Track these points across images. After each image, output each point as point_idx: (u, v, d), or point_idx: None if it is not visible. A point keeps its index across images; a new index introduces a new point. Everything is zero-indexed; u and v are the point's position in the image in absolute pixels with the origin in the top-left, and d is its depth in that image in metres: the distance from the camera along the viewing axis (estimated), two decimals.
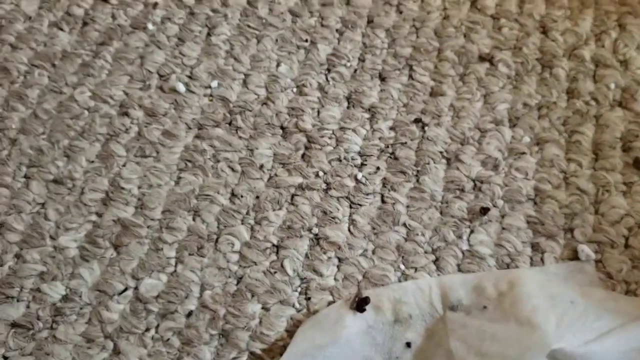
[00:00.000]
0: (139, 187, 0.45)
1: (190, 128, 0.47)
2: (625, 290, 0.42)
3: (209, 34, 0.52)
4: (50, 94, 0.48)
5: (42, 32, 0.51)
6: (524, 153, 0.47)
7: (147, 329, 0.40)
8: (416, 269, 0.42)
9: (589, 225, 0.44)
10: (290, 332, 0.40)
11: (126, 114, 0.48)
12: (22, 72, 0.49)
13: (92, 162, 0.46)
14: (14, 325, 0.40)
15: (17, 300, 0.41)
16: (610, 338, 0.36)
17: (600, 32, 0.53)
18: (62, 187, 0.44)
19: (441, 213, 0.45)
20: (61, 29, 0.52)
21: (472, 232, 0.44)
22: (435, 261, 0.43)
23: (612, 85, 0.50)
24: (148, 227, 0.43)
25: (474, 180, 0.46)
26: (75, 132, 0.47)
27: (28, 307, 0.41)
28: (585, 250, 0.43)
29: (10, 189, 0.44)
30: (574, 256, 0.43)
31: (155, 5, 0.53)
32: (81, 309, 0.40)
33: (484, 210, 0.44)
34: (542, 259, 0.43)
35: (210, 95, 0.49)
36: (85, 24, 0.52)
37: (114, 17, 0.53)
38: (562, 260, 0.43)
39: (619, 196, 0.45)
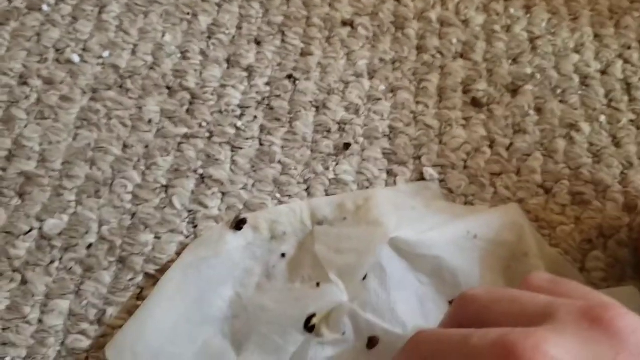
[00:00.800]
0: (40, 144, 0.50)
1: (85, 92, 0.53)
2: (463, 202, 0.50)
3: (100, 12, 0.58)
4: None
5: None
6: (380, 99, 0.55)
7: (52, 261, 0.45)
8: (290, 197, 0.49)
9: (434, 153, 0.52)
10: (180, 255, 0.46)
11: (25, 84, 0.53)
12: None
13: None
14: None
15: None
16: (440, 229, 0.44)
17: None
18: None
19: (311, 151, 0.52)
20: None
21: (337, 164, 0.51)
22: (307, 189, 0.50)
23: (455, 41, 0.59)
24: (49, 177, 0.48)
25: (338, 123, 0.53)
26: None
27: None
28: (430, 171, 0.51)
29: None
30: (422, 178, 0.51)
31: None
32: None
33: (347, 146, 0.52)
34: (394, 182, 0.51)
35: (103, 64, 0.55)
36: None
37: (9, 0, 0.57)
38: (412, 182, 0.51)
39: (459, 129, 0.54)
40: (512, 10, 0.62)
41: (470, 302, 0.34)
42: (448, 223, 0.45)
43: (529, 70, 0.58)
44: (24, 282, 0.44)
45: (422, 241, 0.43)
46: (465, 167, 0.52)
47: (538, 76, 0.58)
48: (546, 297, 0.31)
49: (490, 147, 0.53)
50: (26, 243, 0.46)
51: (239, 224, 0.46)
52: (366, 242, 0.43)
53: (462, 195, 0.51)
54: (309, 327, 0.40)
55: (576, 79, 0.58)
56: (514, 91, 0.57)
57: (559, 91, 0.57)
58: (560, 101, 0.56)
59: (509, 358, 0.26)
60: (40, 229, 0.46)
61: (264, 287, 0.44)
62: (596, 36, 0.61)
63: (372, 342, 0.40)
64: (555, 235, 0.49)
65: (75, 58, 0.54)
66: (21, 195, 0.47)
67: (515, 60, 0.59)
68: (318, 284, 0.43)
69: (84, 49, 0.55)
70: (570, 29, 0.62)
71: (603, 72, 0.59)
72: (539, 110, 0.56)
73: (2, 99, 0.52)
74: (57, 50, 0.55)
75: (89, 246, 0.46)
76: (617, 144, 0.54)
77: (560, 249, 0.49)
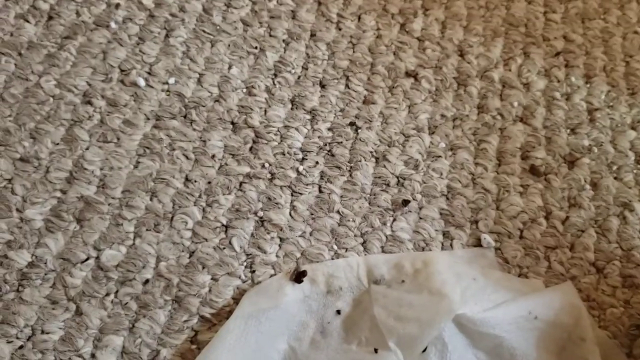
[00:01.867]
0: (101, 169, 0.49)
1: (148, 119, 0.52)
2: (518, 273, 0.50)
3: (167, 36, 0.57)
4: (16, 80, 0.52)
5: (9, 23, 0.55)
6: (439, 156, 0.55)
7: (107, 294, 0.44)
8: (347, 249, 0.49)
9: (490, 219, 0.52)
10: (236, 300, 0.45)
11: (89, 103, 0.52)
12: None
13: (57, 144, 0.50)
14: None
15: None
16: (503, 307, 0.44)
17: (508, 58, 0.62)
18: (29, 165, 0.48)
19: (369, 203, 0.52)
20: (27, 21, 0.55)
21: (394, 220, 0.51)
22: (363, 243, 0.50)
23: (515, 104, 0.60)
24: (109, 204, 0.48)
25: (397, 177, 0.53)
26: (41, 116, 0.51)
27: None
28: (487, 238, 0.51)
29: None
30: (478, 243, 0.51)
31: (117, 5, 0.58)
32: (46, 274, 0.44)
33: (405, 202, 0.52)
34: (451, 245, 0.51)
35: (168, 91, 0.54)
36: (50, 18, 0.56)
37: (78, 13, 0.57)
38: (468, 246, 0.51)
39: (516, 196, 0.54)
40: (572, 79, 0.62)
41: None
42: (511, 301, 0.44)
43: (586, 143, 0.58)
44: (78, 312, 0.43)
45: (486, 319, 0.43)
46: (521, 237, 0.52)
47: (595, 150, 0.58)
48: None
49: (546, 218, 0.53)
50: (83, 272, 0.45)
51: (299, 276, 0.46)
52: (429, 314, 0.42)
53: (517, 266, 0.51)
54: None
55: (632, 156, 0.58)
56: (572, 162, 0.57)
57: (614, 167, 0.57)
58: (615, 178, 0.57)
59: None
60: (97, 258, 0.46)
61: (318, 343, 0.44)
62: None
63: None
64: (604, 317, 0.49)
65: (141, 82, 0.54)
66: (80, 221, 0.47)
67: (573, 131, 0.59)
68: (376, 350, 0.42)
69: (149, 73, 0.55)
70: (628, 103, 0.62)
71: None
72: (594, 185, 0.56)
73: (65, 117, 0.51)
74: (122, 71, 0.54)
75: (146, 282, 0.45)
76: None
77: (608, 331, 0.49)
